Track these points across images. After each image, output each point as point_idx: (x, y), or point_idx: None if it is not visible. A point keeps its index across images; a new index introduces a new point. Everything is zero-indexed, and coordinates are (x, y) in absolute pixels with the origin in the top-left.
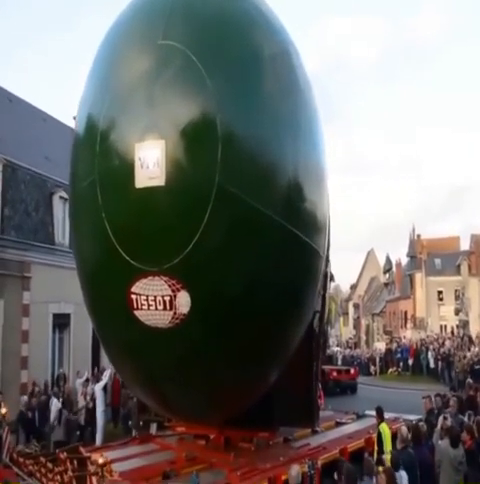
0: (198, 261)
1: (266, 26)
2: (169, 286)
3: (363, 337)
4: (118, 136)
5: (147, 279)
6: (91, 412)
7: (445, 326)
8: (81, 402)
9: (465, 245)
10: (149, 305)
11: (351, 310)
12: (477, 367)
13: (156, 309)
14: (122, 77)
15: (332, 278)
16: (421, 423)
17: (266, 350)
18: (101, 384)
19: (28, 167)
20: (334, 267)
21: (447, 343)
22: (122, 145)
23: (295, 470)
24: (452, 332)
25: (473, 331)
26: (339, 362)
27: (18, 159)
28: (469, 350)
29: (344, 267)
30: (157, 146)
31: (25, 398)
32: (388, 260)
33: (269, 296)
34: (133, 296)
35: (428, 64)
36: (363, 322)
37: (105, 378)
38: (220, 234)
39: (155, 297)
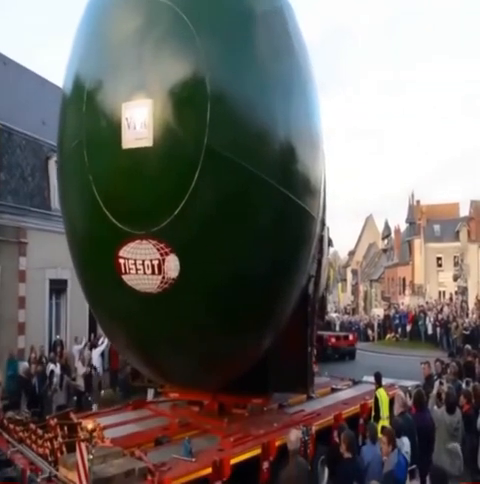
0: (187, 224)
1: None
2: (157, 250)
3: (361, 303)
4: (105, 96)
5: (135, 243)
6: (89, 378)
7: (444, 292)
8: (80, 368)
9: (465, 211)
10: (137, 269)
11: (349, 276)
12: (466, 332)
13: (144, 273)
14: (109, 35)
15: (330, 243)
16: (420, 389)
17: (258, 315)
18: (99, 350)
19: (24, 132)
20: (332, 233)
21: (445, 309)
22: (109, 105)
23: (294, 434)
24: (451, 298)
25: (472, 297)
26: (337, 328)
27: (14, 123)
28: (467, 316)
29: (343, 233)
30: (144, 106)
31: (25, 364)
32: (387, 226)
33: (261, 259)
34: (121, 260)
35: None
36: (361, 288)
37: (103, 344)
38: (209, 196)
39: (143, 261)
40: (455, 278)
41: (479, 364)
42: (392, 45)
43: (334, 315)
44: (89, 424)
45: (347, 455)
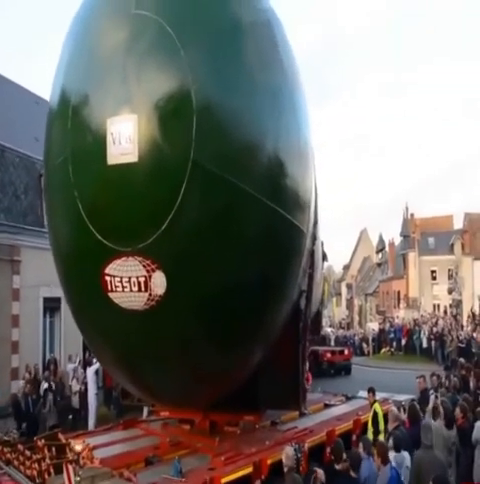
0: (173, 240)
1: None
2: (144, 266)
3: (356, 317)
4: (90, 111)
5: (121, 260)
6: (83, 396)
7: (438, 305)
8: (74, 386)
9: (459, 224)
10: (123, 287)
11: (344, 290)
12: (461, 345)
13: (131, 291)
14: (94, 50)
15: (325, 258)
16: (414, 403)
17: (247, 331)
18: (93, 368)
19: (17, 149)
20: (327, 247)
21: (440, 322)
22: (94, 120)
23: (290, 451)
24: (445, 311)
25: (466, 310)
26: (332, 343)
27: (7, 141)
28: (462, 329)
29: (337, 247)
30: (129, 121)
31: (20, 384)
32: (381, 240)
33: (249, 275)
34: (107, 278)
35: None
36: (356, 302)
37: (97, 362)
38: (196, 212)
39: (129, 278)
40: (449, 291)
41: (474, 378)
42: (393, 47)
43: (329, 330)
44: (77, 445)
45: (353, 474)
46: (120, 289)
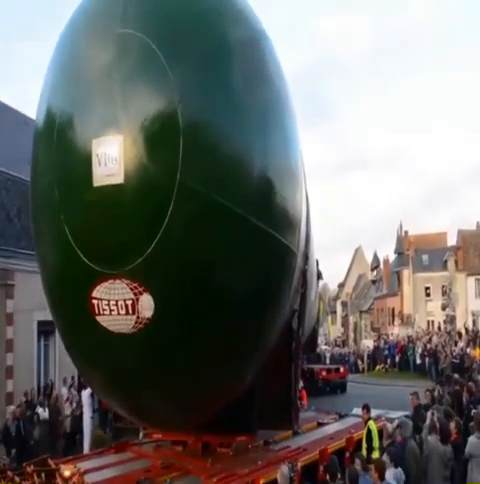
0: (160, 262)
1: (234, 13)
2: (131, 289)
3: (351, 335)
4: (75, 132)
5: (108, 283)
6: (78, 419)
7: (432, 322)
8: (66, 410)
9: (452, 241)
10: (111, 310)
11: (339, 308)
12: (455, 361)
13: (118, 314)
14: (79, 69)
15: (320, 276)
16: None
17: (238, 351)
18: (88, 391)
19: (9, 172)
20: (322, 265)
21: (434, 339)
22: (79, 141)
23: (285, 470)
24: (439, 328)
25: (460, 326)
26: (327, 361)
27: None
28: (456, 345)
29: (332, 265)
30: (115, 142)
31: (12, 408)
32: (376, 257)
33: (238, 296)
34: (94, 301)
35: (418, 59)
36: (351, 320)
37: None
38: (183, 233)
39: (117, 301)
40: (443, 307)
41: (466, 393)
42: (377, 72)
43: (324, 348)
44: (66, 471)
45: None
46: (108, 312)
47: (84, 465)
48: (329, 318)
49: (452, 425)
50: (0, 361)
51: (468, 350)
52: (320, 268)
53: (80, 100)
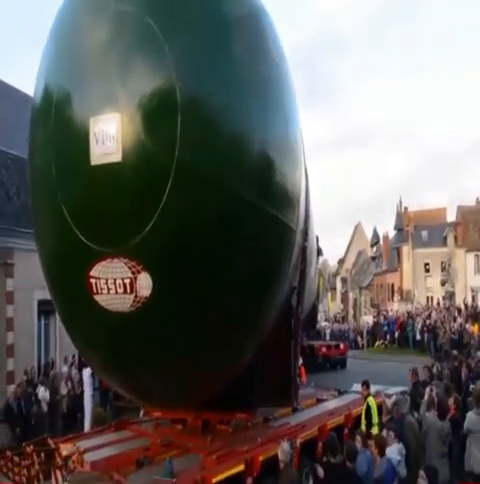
0: (158, 241)
1: None
2: (129, 268)
3: (351, 311)
4: (73, 110)
5: (106, 261)
6: (80, 397)
7: (431, 298)
8: (63, 389)
9: (452, 217)
10: (109, 289)
11: (339, 284)
12: (454, 337)
13: (116, 293)
14: (77, 46)
15: (320, 253)
16: (405, 395)
17: (237, 329)
18: (89, 370)
19: (8, 150)
20: (322, 242)
21: (433, 315)
22: (77, 119)
23: (286, 446)
24: (438, 303)
25: (459, 301)
26: (327, 337)
27: None
28: (454, 321)
29: (332, 242)
30: (112, 119)
31: (12, 387)
32: (375, 233)
33: (236, 273)
34: (92, 280)
35: (420, 33)
36: (351, 296)
37: None
38: (181, 211)
39: (115, 280)
40: (442, 283)
41: (465, 368)
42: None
43: (324, 324)
44: (64, 450)
45: (349, 465)
46: (106, 291)
47: (84, 444)
48: (329, 294)
49: (450, 401)
50: (1, 340)
51: (467, 326)
52: (320, 244)
53: (77, 77)
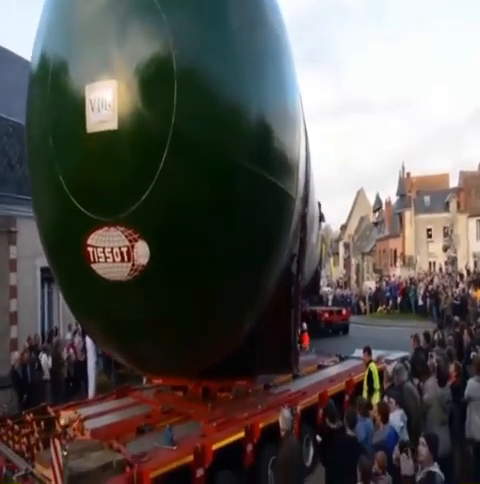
0: (155, 209)
1: None
2: (126, 236)
3: (353, 276)
4: (69, 77)
5: (103, 230)
6: (83, 364)
7: (434, 263)
8: (64, 356)
9: (454, 182)
10: (106, 257)
11: (341, 250)
12: (456, 302)
13: (114, 261)
14: (73, 13)
15: (322, 219)
16: (405, 362)
17: (236, 298)
18: None
19: (9, 118)
20: (324, 208)
21: (435, 280)
22: (72, 87)
23: (287, 414)
24: (441, 269)
25: (461, 267)
26: (330, 302)
27: None
28: (457, 287)
29: (334, 207)
30: (108, 87)
31: (17, 354)
32: (378, 199)
33: (235, 240)
34: (89, 249)
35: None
36: (353, 261)
37: None
38: (178, 179)
39: (112, 249)
40: (445, 248)
41: (468, 335)
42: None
43: (326, 289)
44: (63, 418)
45: (349, 432)
46: (103, 260)
47: (85, 411)
48: (331, 260)
49: (452, 367)
50: (4, 307)
51: (470, 291)
52: (322, 210)
53: (73, 45)
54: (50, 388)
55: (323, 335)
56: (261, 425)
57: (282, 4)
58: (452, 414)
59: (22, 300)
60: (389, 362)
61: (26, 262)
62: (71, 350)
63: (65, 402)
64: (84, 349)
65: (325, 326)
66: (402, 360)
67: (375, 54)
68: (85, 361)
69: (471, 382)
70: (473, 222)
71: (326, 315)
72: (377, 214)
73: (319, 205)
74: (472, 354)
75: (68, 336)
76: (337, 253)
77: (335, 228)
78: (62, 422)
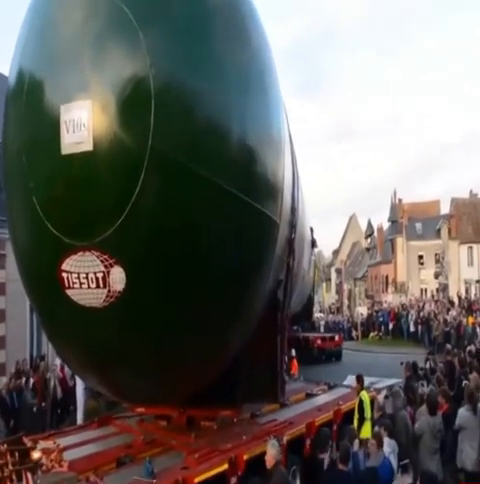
0: (132, 233)
1: None
2: (101, 261)
3: (345, 302)
4: (44, 96)
5: (77, 255)
6: (72, 390)
7: (425, 290)
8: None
9: (446, 209)
10: (81, 283)
11: (333, 275)
12: (447, 329)
13: (89, 287)
14: (50, 31)
15: (314, 244)
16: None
17: (217, 324)
18: None
19: None
20: (317, 233)
21: (427, 306)
22: (47, 106)
23: (275, 445)
24: (432, 296)
25: (452, 294)
26: (322, 328)
27: None
28: (448, 313)
29: (327, 232)
30: (83, 107)
31: (4, 379)
32: (370, 225)
33: (216, 266)
34: (64, 274)
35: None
36: (345, 287)
37: None
38: (155, 203)
39: (87, 274)
40: (436, 275)
41: (458, 363)
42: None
43: (318, 315)
44: (35, 453)
45: (342, 467)
46: (78, 286)
47: (65, 441)
48: (324, 285)
49: (440, 397)
50: None
51: (461, 318)
52: (315, 236)
53: (49, 63)
54: (38, 414)
55: (316, 362)
56: (246, 456)
57: (271, 34)
58: (443, 443)
59: (11, 324)
60: (379, 391)
61: (15, 285)
62: (60, 375)
63: (53, 428)
64: (73, 374)
65: (318, 352)
66: (390, 389)
67: (369, 81)
68: (74, 386)
69: (462, 411)
70: (464, 249)
71: (319, 341)
72: (369, 240)
73: (311, 230)
74: (464, 383)
75: (57, 361)
76: (329, 279)
77: (327, 253)
78: (35, 456)
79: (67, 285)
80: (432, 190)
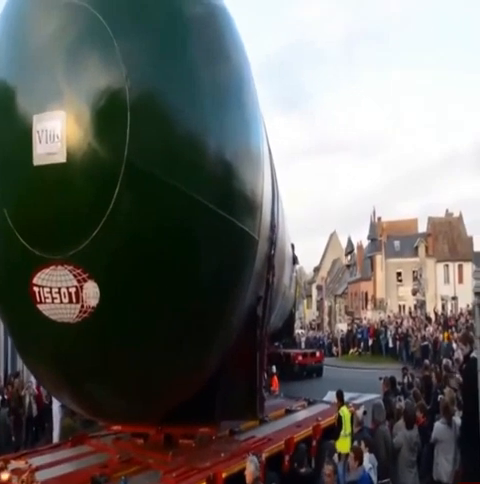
0: (106, 247)
1: None
2: (74, 276)
3: (326, 318)
4: (16, 106)
5: (50, 269)
6: (48, 408)
7: (403, 306)
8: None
9: (423, 227)
10: (53, 298)
11: (314, 292)
12: (424, 344)
13: (61, 302)
14: (23, 40)
15: (295, 261)
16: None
17: (192, 341)
18: None
19: None
20: (298, 250)
21: (405, 323)
22: (19, 117)
23: (253, 462)
24: (410, 312)
25: (429, 310)
26: (302, 345)
27: None
28: (425, 329)
29: (308, 249)
30: (57, 118)
31: None
32: (350, 242)
33: (192, 283)
34: (35, 288)
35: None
36: (326, 303)
37: None
38: (130, 217)
39: (59, 289)
40: (414, 292)
41: (435, 378)
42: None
43: (299, 331)
44: (3, 474)
45: None
46: (50, 300)
47: (38, 460)
48: (305, 302)
49: (417, 410)
50: None
51: (437, 334)
52: (296, 253)
53: (23, 72)
54: (13, 432)
55: (297, 378)
56: (224, 474)
57: (253, 49)
58: (420, 456)
59: None
60: (358, 406)
61: None
62: (36, 392)
63: (28, 446)
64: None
65: (299, 369)
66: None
67: (347, 95)
68: (50, 404)
69: (438, 425)
70: (441, 267)
71: (300, 358)
72: (349, 257)
73: (292, 247)
74: (439, 397)
75: (32, 378)
76: (310, 295)
77: (308, 270)
78: (3, 477)
79: (39, 300)
80: (410, 208)
